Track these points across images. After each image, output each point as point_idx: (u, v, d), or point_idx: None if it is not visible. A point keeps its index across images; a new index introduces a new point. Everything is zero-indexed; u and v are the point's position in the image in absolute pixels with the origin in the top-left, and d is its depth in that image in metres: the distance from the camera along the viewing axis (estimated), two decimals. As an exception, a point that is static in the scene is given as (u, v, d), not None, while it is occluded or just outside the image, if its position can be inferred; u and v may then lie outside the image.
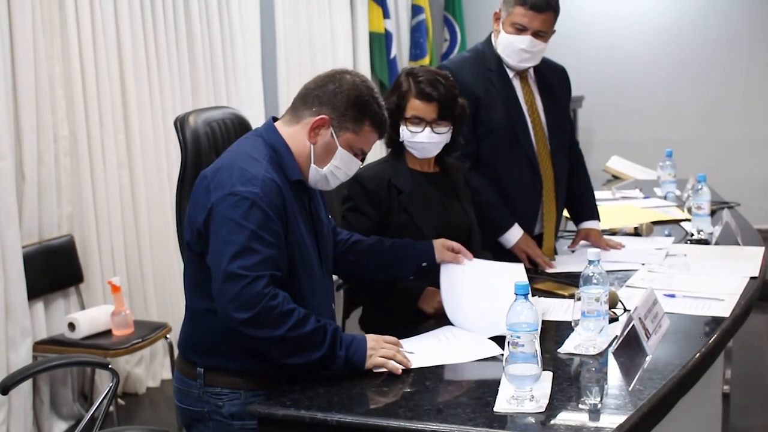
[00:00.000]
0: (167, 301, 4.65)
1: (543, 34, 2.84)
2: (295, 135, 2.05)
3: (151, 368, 4.56)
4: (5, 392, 2.43)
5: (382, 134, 2.13)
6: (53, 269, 3.96)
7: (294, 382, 1.94)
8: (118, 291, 3.90)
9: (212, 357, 2.04)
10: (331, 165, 2.06)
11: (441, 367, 2.03)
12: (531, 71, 2.99)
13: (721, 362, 3.26)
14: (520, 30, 2.82)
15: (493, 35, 2.95)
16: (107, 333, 3.86)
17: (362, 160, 2.13)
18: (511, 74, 2.94)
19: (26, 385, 3.75)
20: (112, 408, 3.73)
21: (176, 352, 4.03)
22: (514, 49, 2.85)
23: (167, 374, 4.51)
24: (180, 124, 2.38)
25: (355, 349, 1.96)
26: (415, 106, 2.48)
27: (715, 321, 2.30)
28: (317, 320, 1.93)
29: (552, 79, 3.05)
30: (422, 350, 2.09)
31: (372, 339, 2.00)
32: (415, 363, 2.01)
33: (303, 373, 1.96)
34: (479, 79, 2.88)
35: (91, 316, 3.87)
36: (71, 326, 3.80)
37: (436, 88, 2.47)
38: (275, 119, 2.13)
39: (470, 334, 2.21)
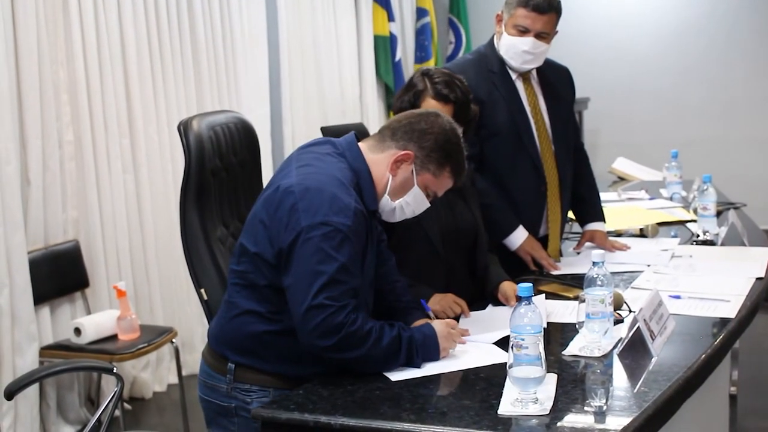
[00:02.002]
0: (173, 305, 4.66)
1: (545, 35, 2.83)
2: (377, 163, 2.08)
3: (158, 373, 4.57)
4: (10, 397, 2.43)
5: (458, 183, 2.17)
6: (59, 274, 3.97)
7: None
8: (123, 296, 3.91)
9: (246, 355, 2.06)
10: (403, 200, 2.10)
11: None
12: (534, 72, 2.98)
13: (728, 363, 3.25)
14: (523, 32, 2.82)
15: (495, 37, 2.94)
16: (113, 338, 3.87)
17: (431, 203, 2.16)
18: (513, 76, 2.93)
19: (33, 390, 3.75)
20: (118, 413, 3.73)
21: (182, 355, 4.10)
22: (517, 50, 2.84)
23: (173, 378, 4.52)
24: (183, 128, 2.38)
25: (429, 353, 2.03)
26: (431, 107, 2.44)
27: (721, 322, 2.29)
28: (390, 329, 1.98)
29: (555, 80, 3.04)
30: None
31: (439, 331, 2.06)
32: (431, 371, 2.00)
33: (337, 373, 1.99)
34: (482, 81, 2.87)
35: (96, 321, 3.87)
36: (77, 331, 3.81)
37: (453, 90, 2.47)
38: (357, 138, 2.14)
39: (475, 343, 2.20)
